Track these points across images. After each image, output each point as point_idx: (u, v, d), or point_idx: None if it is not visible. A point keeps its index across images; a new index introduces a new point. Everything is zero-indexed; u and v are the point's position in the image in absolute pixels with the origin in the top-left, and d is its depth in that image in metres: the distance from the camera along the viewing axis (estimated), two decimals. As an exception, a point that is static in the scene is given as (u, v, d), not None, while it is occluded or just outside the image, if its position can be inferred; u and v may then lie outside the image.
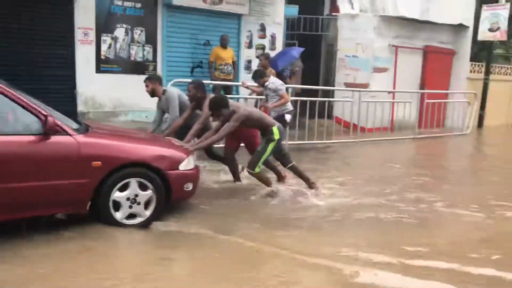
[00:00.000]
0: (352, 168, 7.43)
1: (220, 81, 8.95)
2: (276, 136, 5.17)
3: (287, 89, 7.47)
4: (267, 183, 5.43)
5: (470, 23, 12.54)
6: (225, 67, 9.24)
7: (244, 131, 5.43)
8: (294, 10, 11.05)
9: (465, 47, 12.71)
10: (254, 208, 4.92)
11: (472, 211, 5.11)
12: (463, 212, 5.08)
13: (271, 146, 5.18)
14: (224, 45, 9.27)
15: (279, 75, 8.22)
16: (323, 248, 3.87)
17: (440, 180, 6.74)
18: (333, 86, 11.63)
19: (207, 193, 5.23)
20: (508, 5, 12.29)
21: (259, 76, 6.93)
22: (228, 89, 9.18)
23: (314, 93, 10.60)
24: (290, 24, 11.87)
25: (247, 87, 7.71)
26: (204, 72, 9.48)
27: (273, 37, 10.59)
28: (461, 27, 12.40)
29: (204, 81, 6.11)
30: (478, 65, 13.21)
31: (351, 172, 6.96)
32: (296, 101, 8.37)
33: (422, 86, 11.96)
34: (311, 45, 11.81)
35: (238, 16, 9.94)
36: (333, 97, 10.96)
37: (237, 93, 9.49)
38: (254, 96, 8.19)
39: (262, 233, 4.17)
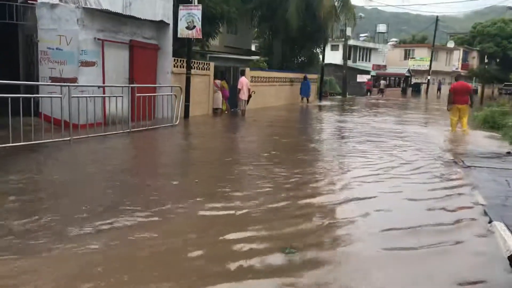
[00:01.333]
0: (59, 170, 6.96)
1: None
2: None
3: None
4: None
5: (170, 20, 13.39)
6: None
7: None
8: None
9: (168, 43, 13.51)
10: None
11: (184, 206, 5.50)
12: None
13: None
14: None
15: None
16: None
17: (153, 178, 6.96)
18: (37, 80, 10.61)
19: None
20: (200, 6, 13.67)
21: None
22: None
23: (14, 88, 9.40)
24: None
25: None
26: None
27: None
28: (162, 24, 13.13)
29: None
30: (180, 60, 14.28)
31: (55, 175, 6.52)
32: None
33: (131, 80, 12.16)
34: (5, 35, 10.45)
35: None
36: (38, 93, 10.01)
37: None
38: None
39: None
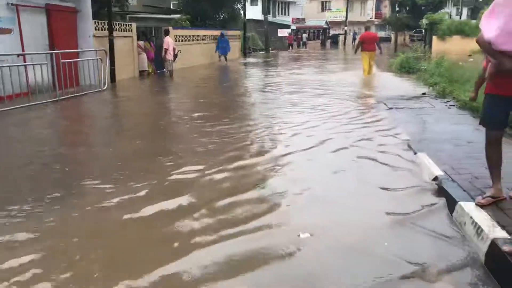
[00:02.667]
0: None
1: None
2: None
3: None
4: None
5: (87, -19, 12.77)
6: None
7: None
8: None
9: (86, 5, 12.92)
10: None
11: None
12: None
13: None
14: None
15: None
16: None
17: (86, 149, 6.97)
18: None
19: None
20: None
21: None
22: None
23: None
24: None
25: None
26: None
27: None
28: (78, -15, 12.50)
29: None
30: (102, 23, 13.74)
31: None
32: None
33: (52, 47, 11.61)
34: None
35: None
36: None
37: None
38: None
39: None
